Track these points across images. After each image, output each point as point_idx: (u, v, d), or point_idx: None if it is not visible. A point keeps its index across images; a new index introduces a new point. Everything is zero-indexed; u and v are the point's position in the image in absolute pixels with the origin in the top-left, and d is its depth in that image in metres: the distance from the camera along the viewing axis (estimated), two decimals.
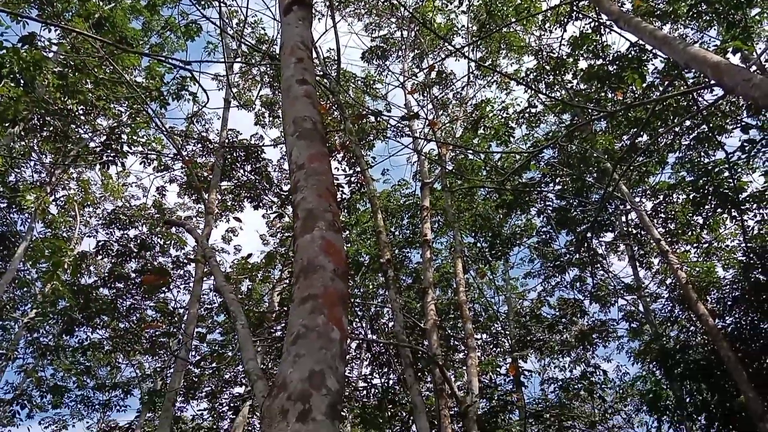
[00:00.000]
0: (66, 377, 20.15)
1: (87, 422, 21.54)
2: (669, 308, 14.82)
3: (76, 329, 15.97)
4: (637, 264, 18.02)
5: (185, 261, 19.34)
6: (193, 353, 17.82)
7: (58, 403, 19.46)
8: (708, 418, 12.01)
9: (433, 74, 17.71)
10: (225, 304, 3.55)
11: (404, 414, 16.25)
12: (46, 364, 19.29)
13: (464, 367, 13.81)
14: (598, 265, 17.34)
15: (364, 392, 18.51)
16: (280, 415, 2.36)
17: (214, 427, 19.93)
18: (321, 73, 12.47)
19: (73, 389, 20.24)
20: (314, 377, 2.43)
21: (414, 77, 18.50)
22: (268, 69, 17.79)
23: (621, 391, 19.13)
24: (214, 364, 17.55)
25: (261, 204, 19.00)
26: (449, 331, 17.74)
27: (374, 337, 16.94)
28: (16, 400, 18.64)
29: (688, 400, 12.90)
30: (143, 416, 18.27)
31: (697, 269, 15.01)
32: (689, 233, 15.49)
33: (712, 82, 5.31)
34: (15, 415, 18.78)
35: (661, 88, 12.29)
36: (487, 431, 13.78)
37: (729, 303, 12.43)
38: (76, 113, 15.43)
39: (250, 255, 9.94)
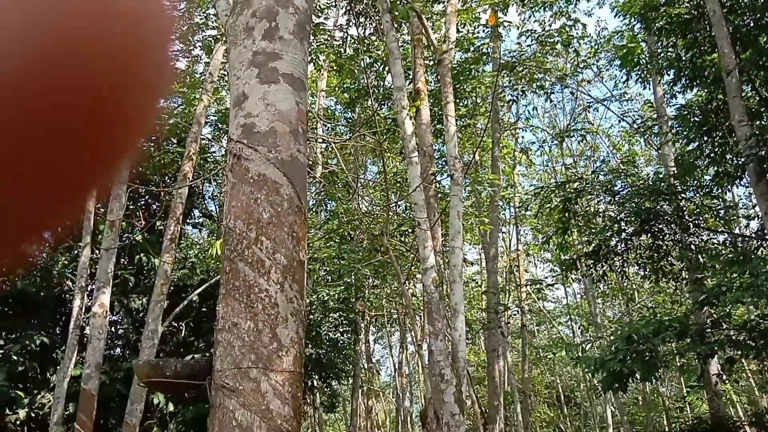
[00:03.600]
0: None
1: None
2: None
3: None
4: None
5: None
6: None
7: None
8: (677, 72, 12.27)
9: None
10: None
11: (380, 64, 16.33)
12: None
13: (443, 20, 13.47)
14: None
15: (340, 42, 18.30)
16: (244, 33, 2.17)
17: (189, 68, 20.02)
18: None
19: None
20: None
21: None
22: None
23: (597, 45, 19.16)
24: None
25: None
26: None
27: None
28: None
29: (661, 54, 13.01)
30: None
31: None
32: None
33: None
34: None
35: None
36: (460, 81, 14.08)
37: None
38: None
39: None
